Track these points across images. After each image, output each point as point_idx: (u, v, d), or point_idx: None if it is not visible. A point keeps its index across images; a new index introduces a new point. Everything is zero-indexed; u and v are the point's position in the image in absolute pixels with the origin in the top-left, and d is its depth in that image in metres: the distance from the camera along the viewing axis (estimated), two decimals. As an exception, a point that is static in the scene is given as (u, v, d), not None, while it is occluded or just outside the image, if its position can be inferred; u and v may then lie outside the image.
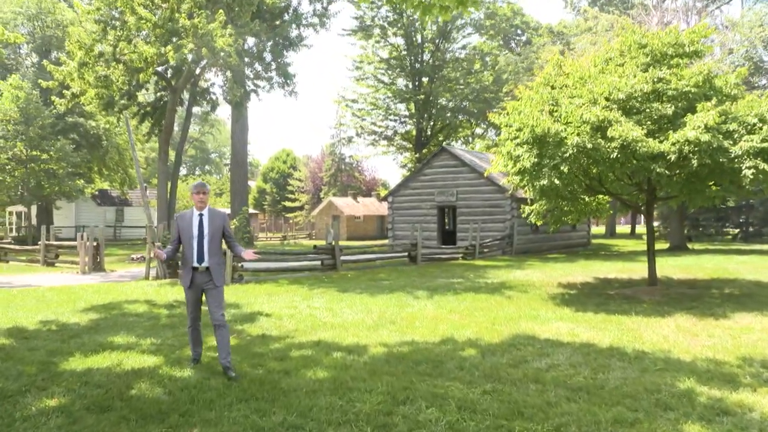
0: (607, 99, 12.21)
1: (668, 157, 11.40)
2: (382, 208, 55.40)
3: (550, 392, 6.07)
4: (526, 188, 13.05)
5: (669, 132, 11.51)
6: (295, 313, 10.85)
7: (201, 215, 6.73)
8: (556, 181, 11.77)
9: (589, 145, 11.40)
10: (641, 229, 62.68)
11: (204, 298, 6.80)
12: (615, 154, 11.45)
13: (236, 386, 6.07)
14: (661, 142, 11.45)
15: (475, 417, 5.29)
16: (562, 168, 11.63)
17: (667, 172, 11.58)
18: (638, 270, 19.03)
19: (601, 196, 15.51)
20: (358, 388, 6.07)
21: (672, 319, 10.26)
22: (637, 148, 11.23)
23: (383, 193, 59.33)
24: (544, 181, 11.81)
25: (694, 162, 11.24)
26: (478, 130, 53.64)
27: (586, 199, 15.19)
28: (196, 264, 6.65)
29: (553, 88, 13.67)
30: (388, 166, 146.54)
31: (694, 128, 11.14)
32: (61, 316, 10.45)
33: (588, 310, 11.24)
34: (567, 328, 9.50)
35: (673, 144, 11.26)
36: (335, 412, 5.35)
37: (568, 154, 11.55)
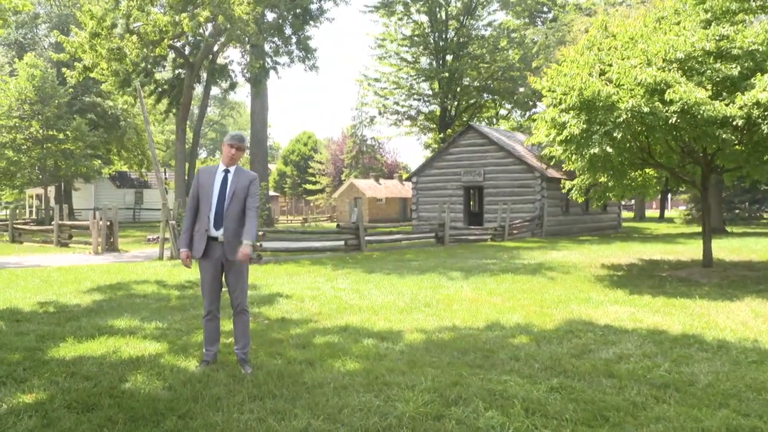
0: (663, 60, 10.97)
1: (734, 123, 10.17)
2: (405, 191, 54.33)
3: (630, 389, 4.97)
4: (573, 158, 11.87)
5: (736, 94, 10.24)
6: (319, 295, 9.81)
7: (226, 171, 5.45)
8: (609, 150, 10.56)
9: (646, 109, 10.20)
10: (669, 213, 61.07)
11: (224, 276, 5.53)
12: (674, 119, 10.23)
13: (249, 381, 5.02)
14: (726, 105, 10.20)
15: (549, 423, 4.20)
16: (614, 134, 10.43)
17: (733, 138, 10.34)
18: (683, 252, 17.79)
19: (649, 171, 14.26)
20: (397, 383, 5.01)
21: (743, 304, 9.07)
22: (701, 112, 9.98)
23: (405, 176, 58.27)
24: (595, 150, 10.59)
25: (765, 128, 10.00)
26: (503, 111, 52.14)
27: (632, 173, 13.93)
28: (212, 232, 5.35)
29: (599, 50, 12.43)
30: (410, 150, 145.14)
31: (766, 90, 9.89)
32: (62, 297, 9.50)
33: (644, 293, 10.08)
34: (626, 313, 8.36)
35: (741, 108, 10.02)
36: (372, 416, 4.28)
37: (621, 119, 10.36)
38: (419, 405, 4.46)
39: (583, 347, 6.41)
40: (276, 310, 8.49)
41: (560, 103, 11.55)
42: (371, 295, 9.88)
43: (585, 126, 10.83)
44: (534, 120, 40.77)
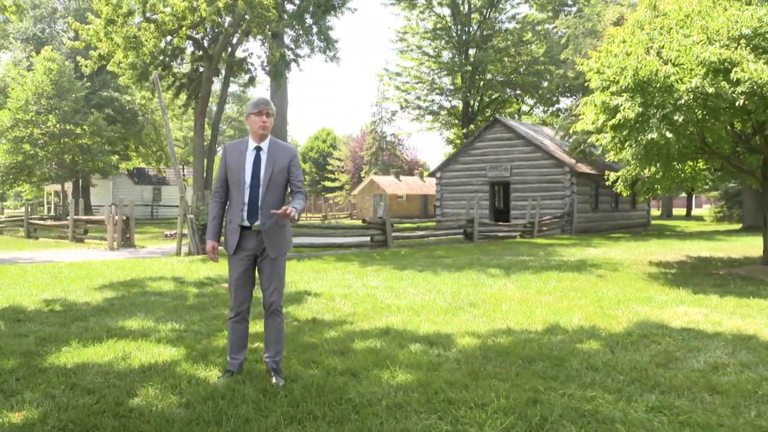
0: (726, 37, 9.96)
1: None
2: (426, 187, 53.47)
3: (747, 410, 4.06)
4: (626, 145, 10.88)
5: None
6: (350, 293, 8.94)
7: (258, 149, 4.53)
8: (668, 135, 9.58)
9: (710, 90, 9.21)
10: (696, 212, 59.83)
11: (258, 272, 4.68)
12: (741, 100, 9.24)
13: (283, 396, 4.14)
14: (801, 85, 9.18)
15: (671, 457, 3.30)
16: (675, 118, 9.45)
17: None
18: (730, 249, 16.73)
19: (700, 162, 13.21)
20: (463, 400, 4.11)
21: (827, 305, 8.08)
22: (773, 92, 8.99)
23: (426, 174, 57.32)
24: (653, 135, 9.61)
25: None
26: (524, 108, 50.96)
27: (681, 165, 12.87)
28: (245, 222, 4.50)
29: (652, 29, 11.43)
30: (429, 147, 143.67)
31: None
32: (71, 295, 8.70)
33: (709, 293, 9.10)
34: (700, 314, 7.41)
35: (818, 88, 9.01)
36: (442, 446, 3.40)
37: (682, 101, 9.38)
38: (498, 431, 3.57)
39: (666, 355, 5.49)
40: (305, 309, 7.63)
41: (610, 86, 10.61)
42: (407, 293, 9.00)
43: (641, 109, 9.86)
44: (558, 115, 39.28)
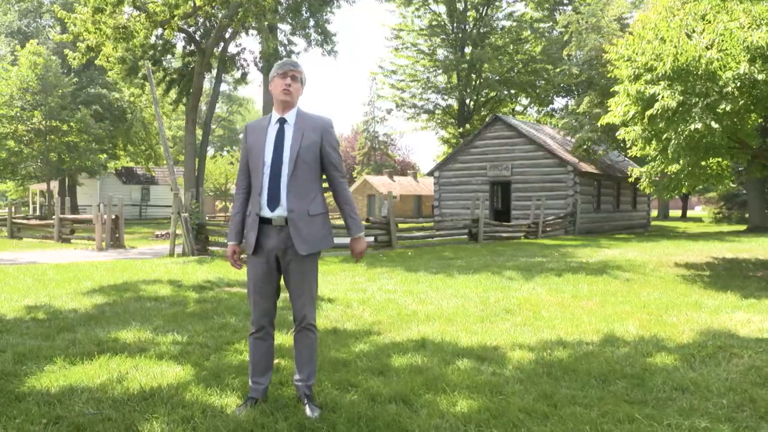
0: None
1: None
2: (420, 188, 52.67)
3: None
4: (664, 138, 10.06)
5: None
6: (367, 298, 8.08)
7: (282, 122, 3.68)
8: (714, 125, 8.79)
9: (760, 77, 8.45)
10: (690, 213, 59.58)
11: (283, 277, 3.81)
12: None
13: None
14: None
15: None
16: (722, 107, 8.67)
17: None
18: (750, 249, 16.01)
19: (724, 160, 12.45)
20: (553, 437, 3.28)
21: None
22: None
23: (420, 175, 56.54)
24: (697, 125, 8.82)
25: None
26: (518, 108, 50.20)
27: (708, 160, 12.10)
28: (265, 212, 3.62)
29: (685, 14, 10.66)
30: (422, 149, 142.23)
31: None
32: (56, 300, 7.78)
33: (760, 297, 8.32)
34: (766, 322, 6.62)
35: None
36: None
37: (729, 89, 8.61)
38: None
39: (757, 371, 4.70)
40: (322, 317, 6.76)
41: (643, 74, 9.83)
42: (430, 298, 8.14)
43: (681, 98, 9.07)
44: (553, 115, 38.71)
